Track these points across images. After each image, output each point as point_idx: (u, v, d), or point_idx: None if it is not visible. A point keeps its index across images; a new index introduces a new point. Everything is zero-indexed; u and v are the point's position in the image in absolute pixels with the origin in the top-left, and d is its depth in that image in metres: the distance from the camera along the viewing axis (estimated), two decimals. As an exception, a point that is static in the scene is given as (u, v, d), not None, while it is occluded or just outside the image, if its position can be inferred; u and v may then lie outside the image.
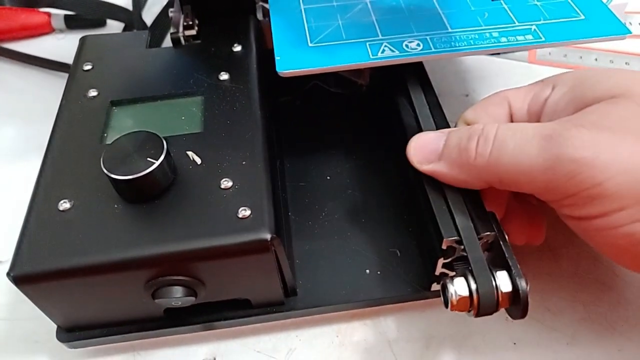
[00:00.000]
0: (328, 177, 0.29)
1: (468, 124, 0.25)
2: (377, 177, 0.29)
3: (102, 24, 0.41)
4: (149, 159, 0.21)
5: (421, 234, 0.25)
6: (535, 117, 0.24)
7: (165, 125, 0.25)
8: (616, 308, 0.26)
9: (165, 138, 0.23)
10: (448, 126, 0.25)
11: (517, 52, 0.38)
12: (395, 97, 0.27)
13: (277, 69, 0.25)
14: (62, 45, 0.41)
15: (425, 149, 0.23)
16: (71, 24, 0.41)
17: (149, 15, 0.40)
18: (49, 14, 0.41)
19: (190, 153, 0.24)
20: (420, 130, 0.25)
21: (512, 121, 0.25)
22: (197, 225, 0.21)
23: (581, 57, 0.38)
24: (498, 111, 0.25)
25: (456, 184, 0.22)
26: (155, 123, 0.25)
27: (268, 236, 0.20)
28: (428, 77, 0.28)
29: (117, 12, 0.39)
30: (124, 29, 0.39)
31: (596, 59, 0.38)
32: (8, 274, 0.21)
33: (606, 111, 0.20)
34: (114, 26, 0.41)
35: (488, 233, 0.21)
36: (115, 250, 0.21)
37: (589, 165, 0.19)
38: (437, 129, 0.25)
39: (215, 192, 0.22)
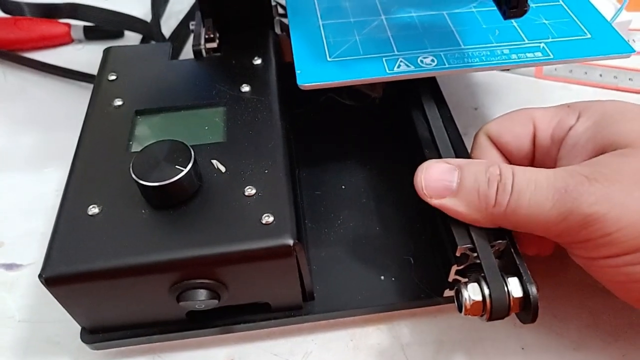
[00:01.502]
0: (343, 187, 0.30)
1: (490, 137, 0.26)
2: (390, 186, 0.30)
3: (120, 35, 0.42)
4: (177, 166, 0.22)
5: (434, 242, 0.26)
6: (557, 143, 0.25)
7: (189, 135, 0.26)
8: (621, 314, 0.27)
9: (192, 146, 0.25)
10: (460, 139, 0.26)
11: (524, 68, 0.39)
12: (410, 110, 0.28)
13: (298, 82, 0.26)
14: (81, 56, 0.42)
15: (437, 183, 0.23)
16: (90, 35, 0.42)
17: (165, 28, 0.41)
18: (68, 25, 0.42)
19: (214, 162, 0.25)
20: (434, 142, 0.26)
21: (534, 142, 0.25)
22: (222, 231, 0.22)
23: (586, 73, 0.40)
24: (522, 131, 0.25)
25: (467, 221, 0.23)
26: (179, 132, 0.26)
27: (291, 242, 0.21)
28: (441, 91, 0.29)
29: (136, 24, 0.40)
30: (142, 41, 0.41)
31: (601, 75, 0.39)
32: (40, 276, 0.21)
33: (619, 164, 0.21)
34: (131, 38, 0.42)
35: (500, 241, 0.22)
36: (143, 254, 0.22)
37: (600, 220, 0.20)
38: (451, 141, 0.26)
39: (240, 199, 0.23)
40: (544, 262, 0.29)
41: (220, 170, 0.24)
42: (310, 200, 0.29)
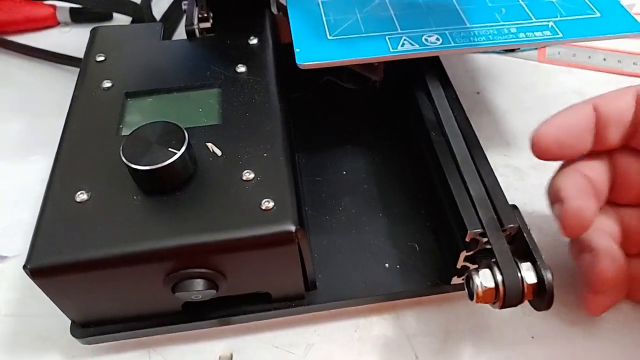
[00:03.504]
0: (344, 172, 0.29)
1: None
2: (393, 171, 0.29)
3: (109, 17, 0.41)
4: (170, 149, 0.21)
5: (440, 228, 0.25)
6: None
7: (183, 117, 0.25)
8: (634, 302, 0.26)
9: (186, 129, 0.23)
10: (467, 121, 0.25)
11: (527, 52, 0.38)
12: (413, 91, 0.27)
13: (297, 61, 0.25)
14: (68, 39, 0.41)
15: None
16: (77, 17, 0.40)
17: (156, 10, 0.40)
18: (54, 7, 0.41)
19: (210, 145, 0.23)
20: (439, 124, 0.25)
21: None
22: (220, 217, 0.20)
23: (590, 57, 0.39)
24: None
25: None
26: (172, 115, 0.25)
27: (293, 228, 0.20)
28: (445, 72, 0.28)
29: (125, 6, 0.38)
30: (132, 22, 0.39)
31: (604, 59, 0.38)
32: (24, 267, 0.20)
33: None
34: (120, 20, 0.41)
35: (512, 225, 0.21)
36: (135, 242, 0.20)
37: None
38: (457, 123, 0.25)
39: (237, 184, 0.22)
40: (552, 248, 0.28)
41: (216, 154, 0.23)
42: (311, 186, 0.28)
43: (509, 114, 0.35)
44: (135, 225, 0.21)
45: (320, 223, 0.27)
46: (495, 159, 0.32)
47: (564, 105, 0.36)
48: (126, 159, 0.21)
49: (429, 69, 0.27)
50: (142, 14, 0.37)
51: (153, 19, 0.37)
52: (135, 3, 0.38)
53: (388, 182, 0.28)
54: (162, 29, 0.30)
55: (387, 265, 0.25)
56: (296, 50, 0.25)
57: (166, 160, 0.21)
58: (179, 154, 0.21)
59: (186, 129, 0.23)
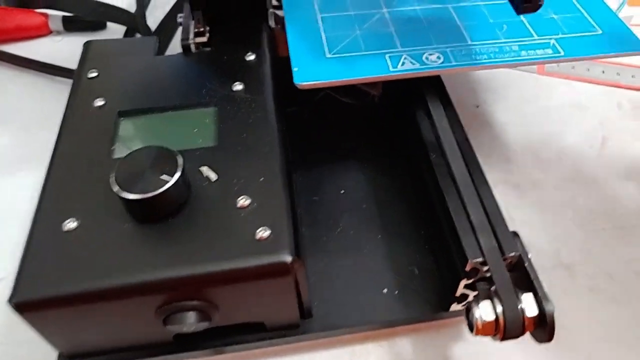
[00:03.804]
0: (342, 191, 0.28)
1: None
2: (393, 190, 0.28)
3: (102, 26, 0.40)
4: (163, 176, 0.20)
5: (440, 252, 0.25)
6: None
7: (177, 138, 0.24)
8: (632, 327, 0.26)
9: (180, 151, 0.23)
10: (468, 142, 0.25)
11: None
12: (413, 110, 0.27)
13: (295, 81, 0.24)
14: (60, 48, 0.40)
15: None
16: (69, 26, 0.40)
17: (150, 19, 0.39)
18: (46, 15, 0.40)
19: (204, 168, 0.23)
20: (439, 145, 0.25)
21: None
22: (213, 247, 0.20)
23: (588, 70, 0.38)
24: None
25: None
26: (166, 135, 0.24)
27: (289, 258, 0.19)
28: (446, 90, 0.27)
29: (119, 15, 0.38)
30: (126, 33, 0.38)
31: (603, 72, 0.38)
32: (9, 301, 0.19)
33: None
34: (114, 29, 0.40)
35: (513, 254, 0.21)
36: (125, 275, 0.20)
37: None
38: (458, 144, 0.24)
39: (232, 211, 0.21)
40: (550, 271, 0.28)
41: (211, 179, 0.22)
42: (308, 205, 0.28)
43: (509, 127, 0.34)
44: (125, 256, 0.20)
45: (318, 244, 0.26)
46: (495, 175, 0.31)
47: (564, 118, 0.36)
48: (118, 187, 0.20)
49: (429, 87, 0.27)
50: (136, 24, 0.36)
51: (147, 29, 0.37)
52: (129, 12, 0.37)
53: (388, 201, 0.28)
54: (156, 43, 0.29)
55: (385, 290, 0.24)
56: (294, 69, 0.25)
57: (158, 188, 0.20)
58: (172, 181, 0.20)
59: (180, 151, 0.22)
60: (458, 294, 0.22)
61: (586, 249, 0.29)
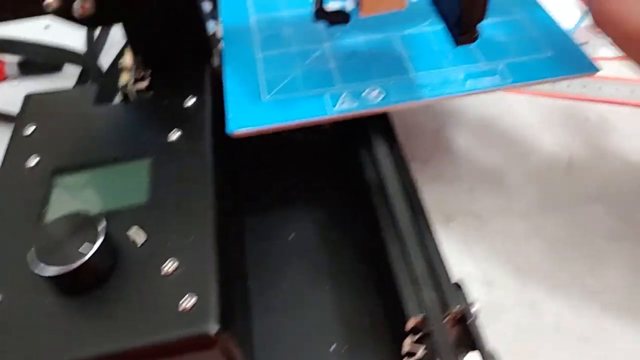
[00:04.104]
0: (292, 236, 0.27)
1: None
2: (344, 234, 0.27)
3: (59, 68, 0.39)
4: (82, 248, 0.20)
5: (388, 304, 0.24)
6: None
7: (110, 196, 0.23)
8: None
9: (108, 212, 0.22)
10: (413, 185, 0.24)
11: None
12: (357, 146, 0.26)
13: (228, 130, 0.24)
14: (18, 93, 0.39)
15: None
16: (26, 70, 0.39)
17: (106, 59, 0.38)
18: (1, 61, 0.39)
19: (133, 230, 0.22)
20: (383, 188, 0.23)
21: None
22: (137, 319, 0.19)
23: (553, 84, 0.37)
24: None
25: None
26: (99, 194, 0.23)
27: (214, 329, 0.18)
28: (391, 125, 0.26)
29: (71, 56, 0.37)
30: (81, 74, 0.37)
31: (568, 86, 0.36)
32: None
33: None
34: (70, 72, 0.39)
35: (456, 309, 0.20)
36: (46, 357, 0.19)
37: None
38: (403, 187, 0.23)
39: (159, 276, 0.20)
40: (515, 308, 0.26)
41: (139, 241, 0.21)
42: (255, 254, 0.27)
43: (471, 152, 0.33)
44: (48, 334, 0.19)
45: (263, 299, 0.25)
46: (455, 206, 0.30)
47: (529, 139, 0.34)
48: (33, 260, 0.19)
49: (373, 124, 0.26)
50: (87, 66, 0.35)
51: (98, 71, 0.36)
52: (79, 54, 0.37)
53: (338, 246, 0.27)
54: (96, 91, 0.28)
55: (334, 346, 0.23)
56: (228, 116, 0.24)
57: (75, 261, 0.19)
58: (90, 253, 0.19)
59: (111, 210, 0.22)
60: (404, 351, 0.21)
61: (552, 282, 0.27)
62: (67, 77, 0.39)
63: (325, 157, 0.31)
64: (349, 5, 0.23)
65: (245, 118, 0.24)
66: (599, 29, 0.24)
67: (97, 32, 0.38)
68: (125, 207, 0.22)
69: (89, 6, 0.24)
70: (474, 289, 0.27)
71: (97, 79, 0.33)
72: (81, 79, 0.37)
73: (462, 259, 0.28)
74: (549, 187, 0.31)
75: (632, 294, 0.27)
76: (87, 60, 0.35)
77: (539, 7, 0.29)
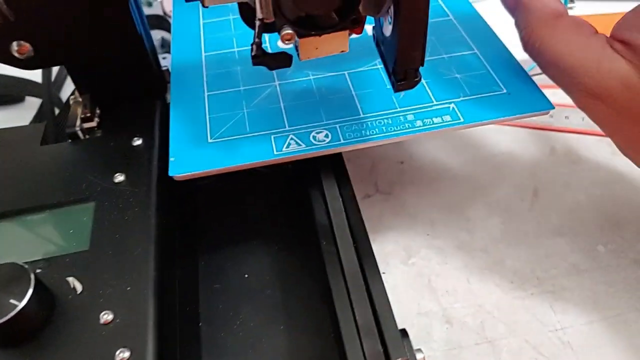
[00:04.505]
0: (246, 275, 0.27)
1: None
2: (299, 272, 0.26)
3: (21, 99, 0.39)
4: (15, 298, 0.19)
5: (340, 349, 0.23)
6: None
7: (51, 243, 0.23)
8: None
9: (46, 260, 0.21)
10: (362, 224, 0.23)
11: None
12: (308, 188, 0.25)
13: (170, 173, 0.23)
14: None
15: None
16: (-14, 101, 0.39)
17: (68, 90, 0.38)
18: (-38, 93, 0.39)
19: (71, 279, 0.21)
20: (332, 230, 0.23)
21: None
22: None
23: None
24: None
25: None
26: (40, 240, 0.23)
27: (144, 388, 0.18)
28: (344, 164, 0.26)
29: (32, 89, 0.36)
30: (41, 105, 0.37)
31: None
32: None
33: None
34: (32, 102, 0.39)
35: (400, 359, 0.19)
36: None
37: None
38: (351, 229, 0.23)
39: (94, 329, 0.19)
40: (473, 347, 0.26)
41: (77, 290, 0.21)
42: (209, 295, 0.26)
43: (435, 184, 0.33)
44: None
45: (214, 342, 0.24)
46: (417, 240, 0.30)
47: (494, 170, 0.34)
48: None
49: (325, 163, 0.25)
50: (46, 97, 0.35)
51: (57, 100, 0.35)
52: (38, 84, 0.36)
53: (293, 285, 0.26)
54: (42, 130, 0.28)
55: (284, 392, 0.23)
56: (170, 159, 0.23)
57: (7, 314, 0.18)
58: (22, 304, 0.19)
59: (51, 258, 0.21)
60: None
61: (513, 319, 0.27)
62: (28, 108, 0.38)
63: (285, 194, 0.30)
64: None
65: (187, 161, 0.23)
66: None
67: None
68: (65, 255, 0.22)
69: (27, 49, 0.24)
70: (434, 327, 0.27)
71: (51, 115, 0.33)
72: (41, 111, 0.36)
73: (422, 295, 0.28)
74: (513, 220, 0.31)
75: (593, 330, 0.26)
76: (43, 89, 0.34)
77: (496, 40, 0.28)
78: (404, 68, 0.20)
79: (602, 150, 0.34)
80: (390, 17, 0.19)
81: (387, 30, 0.20)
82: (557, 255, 0.29)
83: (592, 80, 0.22)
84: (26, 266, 0.20)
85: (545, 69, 0.24)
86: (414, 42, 0.19)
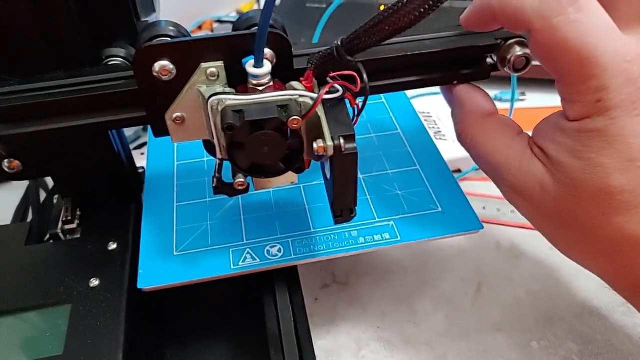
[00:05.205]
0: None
1: None
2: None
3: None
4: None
5: None
6: None
7: (27, 347, 0.25)
8: None
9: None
10: (309, 338, 0.26)
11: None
12: (262, 295, 0.28)
13: (138, 285, 0.26)
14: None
15: None
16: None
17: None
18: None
19: (42, 386, 0.24)
20: (280, 340, 0.26)
21: None
22: None
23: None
24: None
25: None
26: (17, 345, 0.25)
27: None
28: (297, 274, 0.28)
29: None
30: (28, 189, 0.40)
31: (484, 207, 0.39)
32: None
33: None
34: (18, 184, 0.42)
35: None
36: None
37: None
38: (298, 338, 0.25)
39: None
40: None
41: (47, 399, 0.23)
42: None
43: (388, 276, 0.35)
44: None
45: None
46: (368, 333, 0.32)
47: (441, 264, 0.36)
48: None
49: (279, 271, 0.28)
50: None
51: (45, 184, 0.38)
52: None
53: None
54: (27, 230, 0.30)
55: None
56: (140, 271, 0.26)
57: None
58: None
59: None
60: None
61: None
62: (15, 188, 0.41)
63: (244, 296, 0.32)
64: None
65: (154, 274, 0.26)
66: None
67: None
68: (40, 359, 0.24)
69: (16, 165, 0.27)
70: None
71: (37, 215, 0.35)
72: (27, 195, 0.39)
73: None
74: (457, 314, 0.33)
75: None
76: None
77: (437, 155, 0.32)
78: (340, 208, 0.23)
79: (542, 244, 0.37)
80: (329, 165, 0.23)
81: (328, 172, 0.24)
82: (494, 350, 0.32)
83: (514, 179, 0.24)
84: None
85: (476, 162, 0.26)
86: (347, 190, 0.22)
